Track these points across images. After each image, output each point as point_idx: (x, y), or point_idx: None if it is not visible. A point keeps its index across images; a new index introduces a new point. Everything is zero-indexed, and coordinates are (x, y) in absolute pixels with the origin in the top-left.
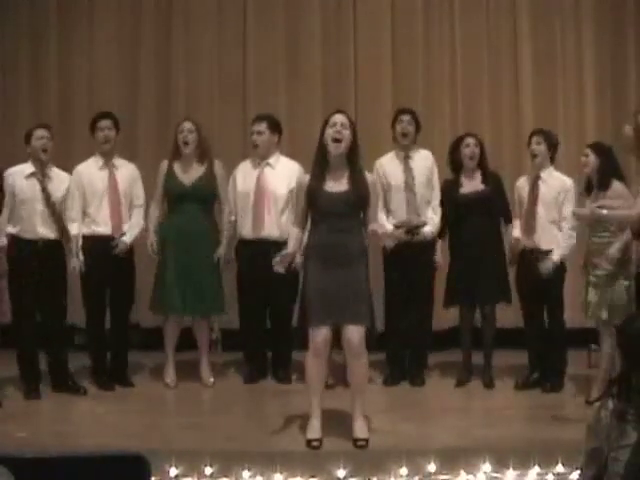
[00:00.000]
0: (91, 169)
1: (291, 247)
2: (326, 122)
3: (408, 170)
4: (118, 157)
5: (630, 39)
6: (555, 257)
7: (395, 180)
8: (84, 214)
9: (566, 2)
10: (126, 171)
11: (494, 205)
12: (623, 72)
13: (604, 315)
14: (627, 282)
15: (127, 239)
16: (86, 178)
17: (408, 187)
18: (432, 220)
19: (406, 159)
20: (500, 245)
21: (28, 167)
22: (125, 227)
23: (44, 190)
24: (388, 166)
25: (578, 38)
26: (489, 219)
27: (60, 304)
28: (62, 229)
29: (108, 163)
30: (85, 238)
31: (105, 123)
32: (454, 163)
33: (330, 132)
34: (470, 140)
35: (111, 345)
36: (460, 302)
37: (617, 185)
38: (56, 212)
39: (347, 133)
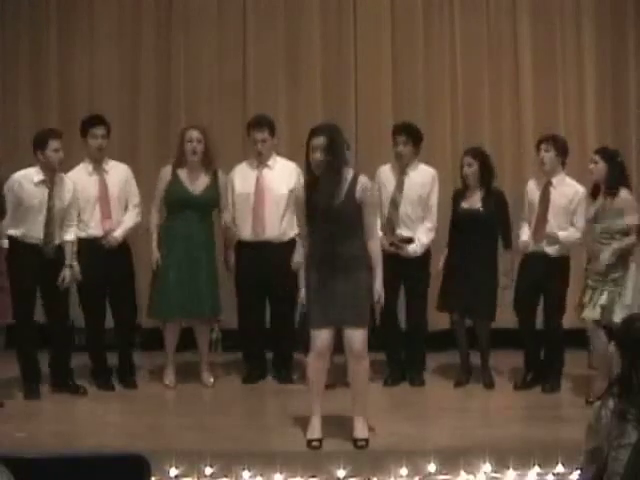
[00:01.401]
0: (82, 176)
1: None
2: (308, 140)
3: (399, 186)
4: (108, 159)
5: (630, 40)
6: (561, 235)
7: (386, 194)
8: (78, 220)
9: (566, 3)
10: (117, 174)
11: (488, 226)
12: (623, 73)
13: (596, 315)
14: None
15: (118, 234)
16: (78, 186)
17: (393, 203)
18: (419, 241)
19: (401, 175)
20: (491, 265)
21: (37, 173)
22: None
23: (50, 199)
24: (385, 177)
25: (578, 39)
26: (482, 238)
27: (64, 304)
28: (49, 240)
29: (98, 168)
30: (79, 241)
31: (100, 131)
32: (463, 178)
33: (312, 158)
34: (465, 160)
35: (116, 346)
36: (450, 309)
37: (625, 193)
38: (52, 222)
39: (324, 158)
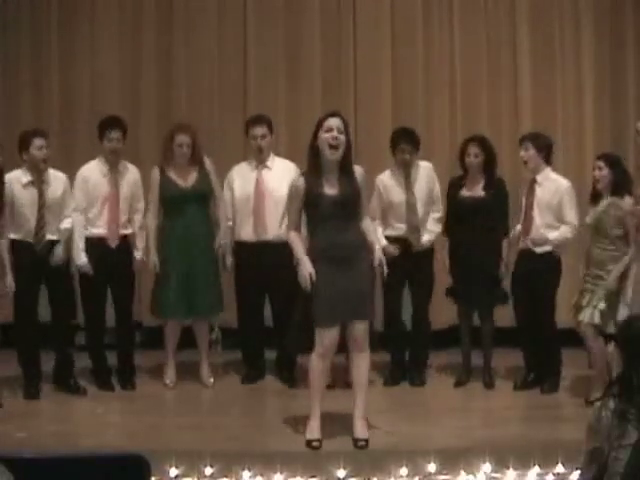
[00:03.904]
0: (95, 174)
1: (301, 253)
2: (319, 125)
3: (410, 190)
4: (123, 161)
5: (629, 39)
6: (551, 235)
7: (396, 198)
8: (85, 218)
9: (565, 4)
10: (129, 176)
11: (492, 213)
12: (622, 72)
13: (596, 319)
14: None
15: (139, 255)
16: (90, 183)
17: (410, 207)
18: (431, 231)
19: (407, 178)
20: (495, 252)
21: (25, 174)
22: (122, 231)
23: (41, 197)
24: (389, 183)
25: (577, 38)
26: (486, 226)
27: (69, 303)
28: (40, 237)
29: (113, 170)
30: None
31: (115, 134)
32: (463, 166)
33: (326, 137)
34: (472, 150)
35: (117, 345)
36: (457, 300)
37: (628, 200)
38: (42, 220)
39: (343, 138)
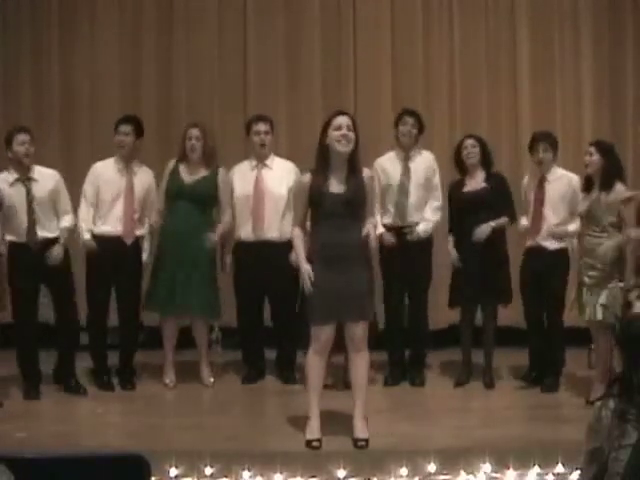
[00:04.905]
0: (110, 170)
1: (301, 257)
2: (328, 123)
3: (406, 172)
4: (137, 162)
5: (628, 42)
6: (570, 227)
7: (393, 180)
8: (95, 213)
9: (564, 5)
10: (144, 177)
11: (495, 203)
12: (621, 74)
13: (599, 316)
14: (622, 283)
15: (145, 256)
16: (103, 178)
17: (402, 189)
18: (428, 220)
19: (406, 160)
20: (502, 245)
21: (10, 173)
22: (137, 232)
23: (28, 194)
24: (387, 166)
25: (576, 41)
26: (491, 217)
27: (71, 302)
28: (32, 234)
29: (127, 167)
30: (93, 237)
31: (123, 128)
32: (459, 166)
33: (336, 135)
34: (468, 142)
35: (120, 345)
36: (464, 303)
37: (620, 187)
38: (32, 216)
39: (352, 135)
